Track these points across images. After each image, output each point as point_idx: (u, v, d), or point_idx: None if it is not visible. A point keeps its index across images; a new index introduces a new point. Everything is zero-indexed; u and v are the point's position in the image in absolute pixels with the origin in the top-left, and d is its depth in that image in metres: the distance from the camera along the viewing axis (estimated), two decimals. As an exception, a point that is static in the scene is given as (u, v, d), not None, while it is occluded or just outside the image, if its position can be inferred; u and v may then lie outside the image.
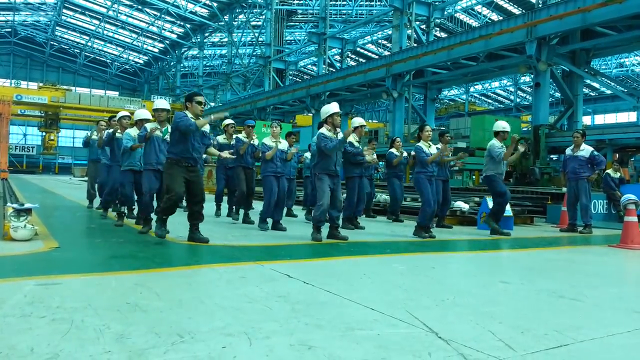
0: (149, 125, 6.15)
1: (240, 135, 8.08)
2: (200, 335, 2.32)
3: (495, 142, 7.47)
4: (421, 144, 6.98)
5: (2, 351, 2.05)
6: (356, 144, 7.77)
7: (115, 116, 7.77)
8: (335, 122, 6.15)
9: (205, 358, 2.06)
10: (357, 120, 7.83)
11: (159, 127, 6.16)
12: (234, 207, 8.37)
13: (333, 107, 6.22)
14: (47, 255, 4.44)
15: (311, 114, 29.26)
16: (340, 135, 6.11)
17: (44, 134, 49.42)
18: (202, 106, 5.42)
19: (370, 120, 54.44)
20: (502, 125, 7.55)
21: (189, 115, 5.30)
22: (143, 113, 6.73)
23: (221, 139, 8.67)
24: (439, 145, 7.98)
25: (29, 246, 4.76)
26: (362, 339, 2.37)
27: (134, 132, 6.63)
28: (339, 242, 5.98)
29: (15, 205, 5.35)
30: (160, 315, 2.64)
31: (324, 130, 6.17)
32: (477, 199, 9.60)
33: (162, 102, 6.53)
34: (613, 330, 2.68)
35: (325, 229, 6.13)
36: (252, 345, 2.22)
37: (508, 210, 8.33)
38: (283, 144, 7.22)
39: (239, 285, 3.42)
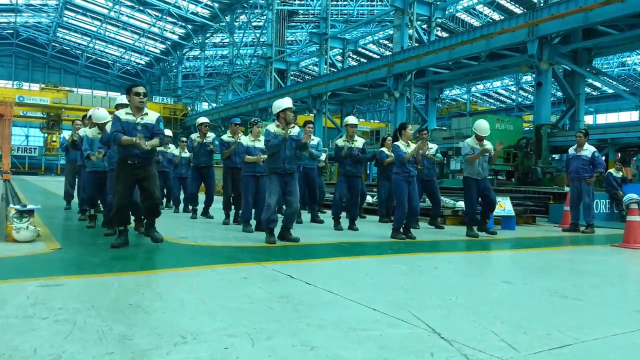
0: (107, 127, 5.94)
1: (224, 136, 7.88)
2: (202, 336, 2.32)
3: (467, 141, 7.33)
4: (399, 143, 6.78)
5: (5, 352, 2.05)
6: (342, 143, 7.62)
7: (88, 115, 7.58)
8: (287, 118, 5.90)
9: (207, 359, 2.06)
10: (347, 119, 7.83)
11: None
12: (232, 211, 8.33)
13: (285, 102, 5.93)
14: (49, 257, 4.44)
15: (313, 115, 29.27)
16: (293, 132, 5.90)
17: (46, 135, 49.58)
18: (141, 97, 4.99)
19: (371, 121, 54.45)
20: (481, 127, 7.26)
21: (123, 112, 5.04)
22: (102, 115, 6.41)
23: (194, 137, 8.62)
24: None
25: (31, 247, 4.77)
26: (364, 340, 2.37)
27: (91, 133, 6.53)
28: (339, 242, 5.96)
29: (17, 207, 5.36)
30: (163, 316, 2.64)
31: (272, 126, 5.95)
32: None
33: (121, 98, 6.21)
34: (616, 330, 2.68)
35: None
36: (254, 346, 2.22)
37: (510, 210, 8.32)
38: (262, 142, 6.99)
39: (240, 286, 3.42)
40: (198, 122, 8.89)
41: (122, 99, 6.19)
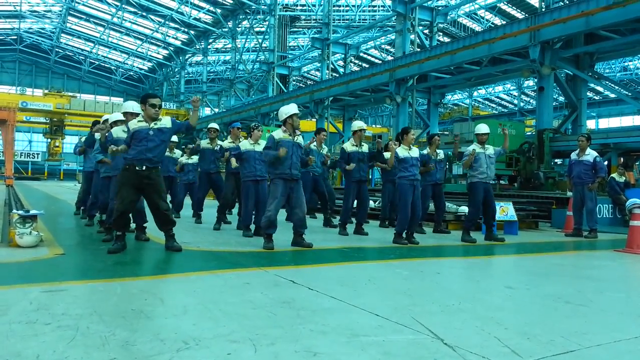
0: (96, 135, 6.20)
1: (224, 143, 7.77)
2: (205, 342, 2.32)
3: (471, 146, 7.32)
4: (400, 148, 6.74)
5: (8, 358, 2.05)
6: (351, 147, 7.54)
7: (99, 121, 7.60)
8: (294, 124, 5.90)
9: (210, 365, 2.06)
10: (358, 124, 7.83)
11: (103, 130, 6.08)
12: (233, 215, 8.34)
13: (291, 109, 5.97)
14: (52, 262, 4.45)
15: (315, 120, 29.32)
16: (299, 139, 5.96)
17: (49, 140, 49.79)
18: (157, 109, 5.08)
19: (373, 125, 54.49)
20: (480, 128, 7.43)
21: (141, 118, 5.11)
22: (115, 115, 6.63)
23: (204, 143, 8.60)
24: (427, 150, 7.99)
25: (34, 253, 4.78)
26: (367, 345, 2.36)
27: (115, 133, 6.61)
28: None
29: (20, 212, 5.37)
30: (165, 322, 2.65)
31: (278, 132, 5.93)
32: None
33: (130, 104, 6.25)
34: (619, 336, 2.67)
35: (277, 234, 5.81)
36: (257, 352, 2.22)
37: (512, 215, 8.31)
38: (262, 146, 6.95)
39: (243, 291, 3.42)
40: (208, 127, 8.87)
41: (119, 116, 6.45)
